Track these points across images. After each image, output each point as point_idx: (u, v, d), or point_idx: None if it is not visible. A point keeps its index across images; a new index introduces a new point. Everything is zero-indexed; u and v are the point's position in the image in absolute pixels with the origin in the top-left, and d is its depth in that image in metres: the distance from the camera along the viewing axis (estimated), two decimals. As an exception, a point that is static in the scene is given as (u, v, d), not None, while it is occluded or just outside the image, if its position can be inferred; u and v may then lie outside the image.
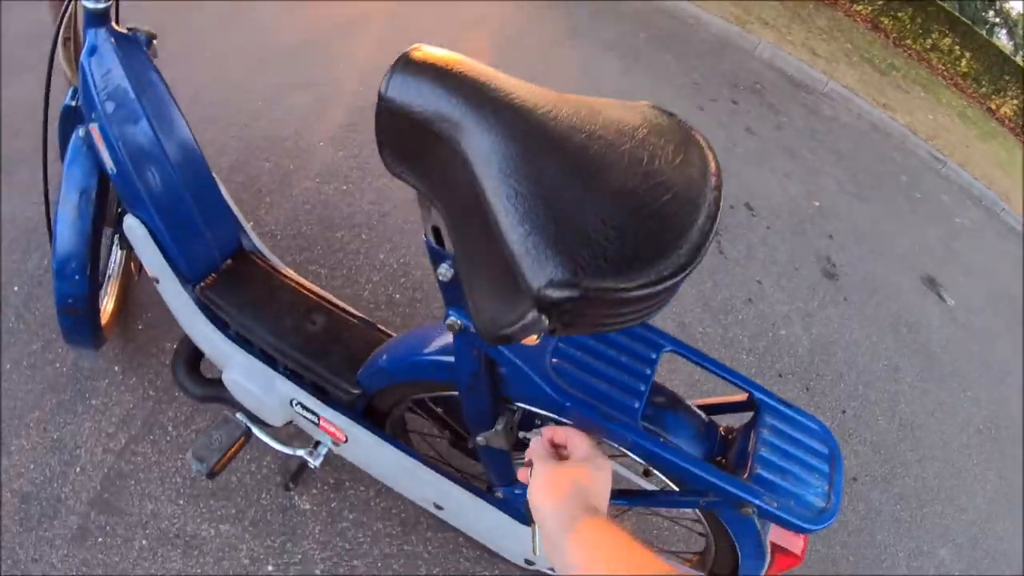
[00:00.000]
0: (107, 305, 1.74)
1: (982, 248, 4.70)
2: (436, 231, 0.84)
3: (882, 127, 5.64)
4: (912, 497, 2.48)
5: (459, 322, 0.91)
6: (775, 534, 1.15)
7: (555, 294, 0.58)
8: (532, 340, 0.95)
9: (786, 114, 4.79)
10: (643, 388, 0.95)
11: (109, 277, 1.81)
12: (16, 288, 1.82)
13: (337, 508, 1.69)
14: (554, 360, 0.94)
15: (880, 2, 9.73)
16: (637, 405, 0.93)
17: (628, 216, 0.62)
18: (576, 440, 0.90)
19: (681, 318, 2.69)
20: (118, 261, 1.84)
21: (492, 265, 0.66)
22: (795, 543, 1.18)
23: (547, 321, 0.61)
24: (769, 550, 1.12)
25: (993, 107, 9.73)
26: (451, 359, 1.02)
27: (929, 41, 9.93)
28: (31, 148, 2.09)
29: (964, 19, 10.40)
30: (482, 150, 0.64)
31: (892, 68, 7.68)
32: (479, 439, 1.07)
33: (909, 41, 9.66)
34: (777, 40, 5.76)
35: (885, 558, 2.22)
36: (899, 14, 9.87)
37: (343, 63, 3.22)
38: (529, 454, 0.92)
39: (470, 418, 1.07)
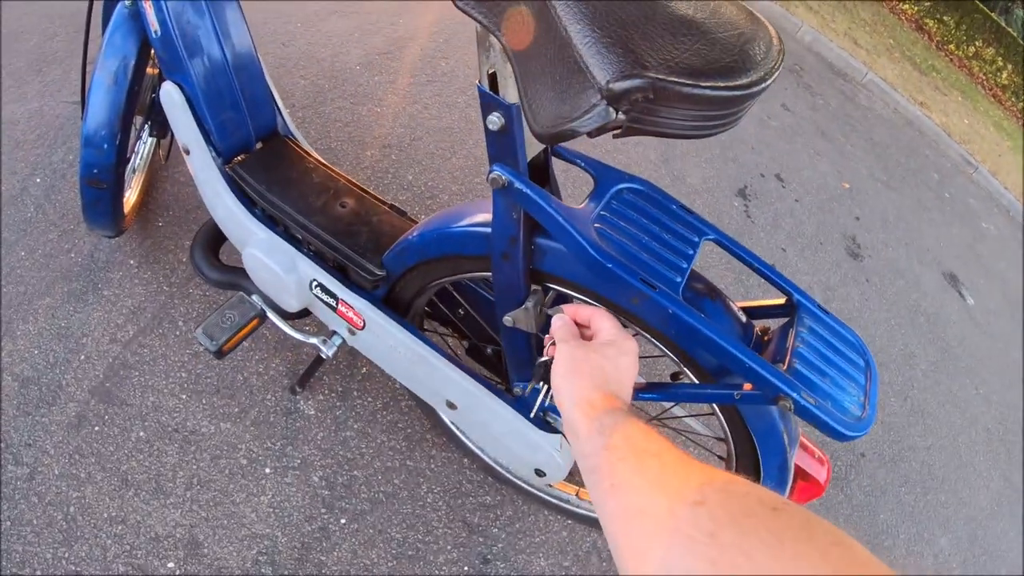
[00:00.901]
0: (130, 197, 1.74)
1: (1005, 255, 4.63)
2: (492, 77, 0.81)
3: (917, 124, 5.55)
4: (917, 482, 2.45)
5: (503, 176, 0.87)
6: (800, 458, 1.12)
7: (625, 83, 0.56)
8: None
9: (823, 97, 4.71)
10: (685, 266, 0.91)
11: (135, 169, 1.81)
12: (39, 180, 1.82)
13: (342, 416, 1.67)
14: (596, 225, 0.89)
15: (927, 3, 9.59)
16: (679, 280, 0.88)
17: (698, 37, 0.61)
18: (600, 320, 0.86)
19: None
20: (146, 154, 1.85)
21: (557, 71, 0.63)
22: (819, 471, 1.14)
23: (614, 113, 0.57)
24: (792, 475, 1.08)
25: (1031, 122, 9.58)
26: (486, 230, 0.99)
27: (972, 48, 9.77)
28: (65, 51, 2.13)
29: (1010, 31, 10.24)
30: None
31: (932, 69, 7.56)
32: (506, 319, 1.04)
33: (952, 46, 9.50)
34: (820, 26, 5.66)
35: (886, 538, 2.20)
36: (944, 18, 9.71)
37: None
38: (552, 332, 0.89)
39: (500, 295, 1.03)
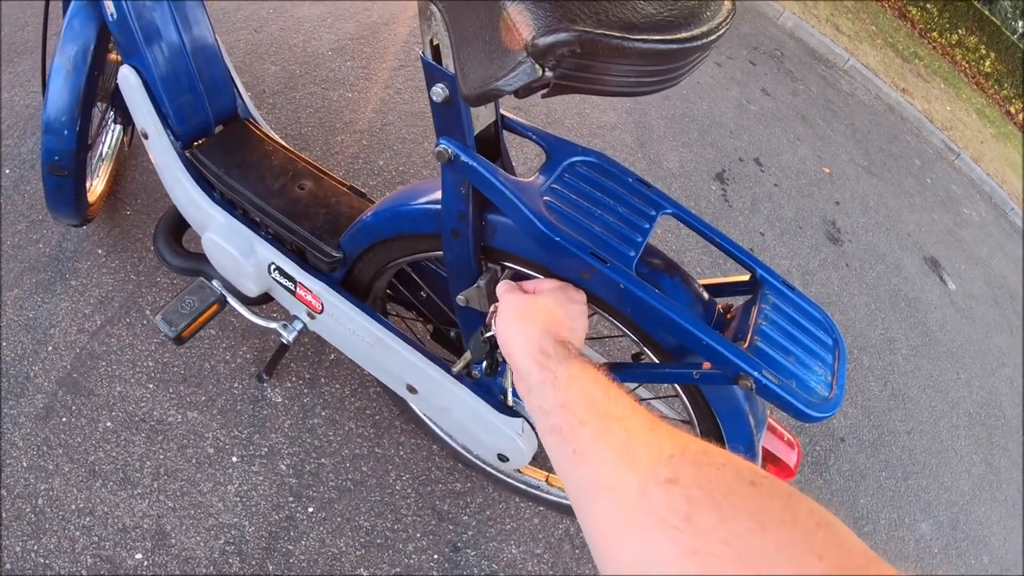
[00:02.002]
0: (97, 186, 1.72)
1: (987, 242, 4.64)
2: (435, 49, 0.79)
3: (899, 110, 5.55)
4: (898, 467, 2.45)
5: (449, 150, 0.85)
6: (768, 440, 1.10)
7: (549, 38, 0.53)
8: (534, 179, 0.89)
9: (803, 82, 4.70)
10: (640, 240, 0.88)
11: (102, 158, 1.79)
12: (8, 171, 1.80)
13: (310, 404, 1.65)
14: (546, 198, 0.87)
15: (910, -10, 9.61)
16: (632, 254, 0.86)
17: None
18: (544, 282, 0.85)
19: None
20: (112, 143, 1.82)
21: (487, 32, 0.61)
22: (788, 454, 1.12)
23: (541, 70, 0.55)
24: (760, 458, 1.06)
25: (1012, 111, 9.60)
26: (438, 207, 0.97)
27: (955, 36, 9.79)
28: (35, 41, 2.11)
29: (994, 19, 10.26)
30: None
31: (915, 56, 7.57)
32: (459, 298, 1.02)
33: (935, 34, 9.52)
34: (802, 12, 5.65)
35: (866, 524, 2.20)
36: (927, 5, 9.73)
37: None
38: (497, 292, 0.86)
39: (452, 273, 1.01)
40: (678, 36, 0.58)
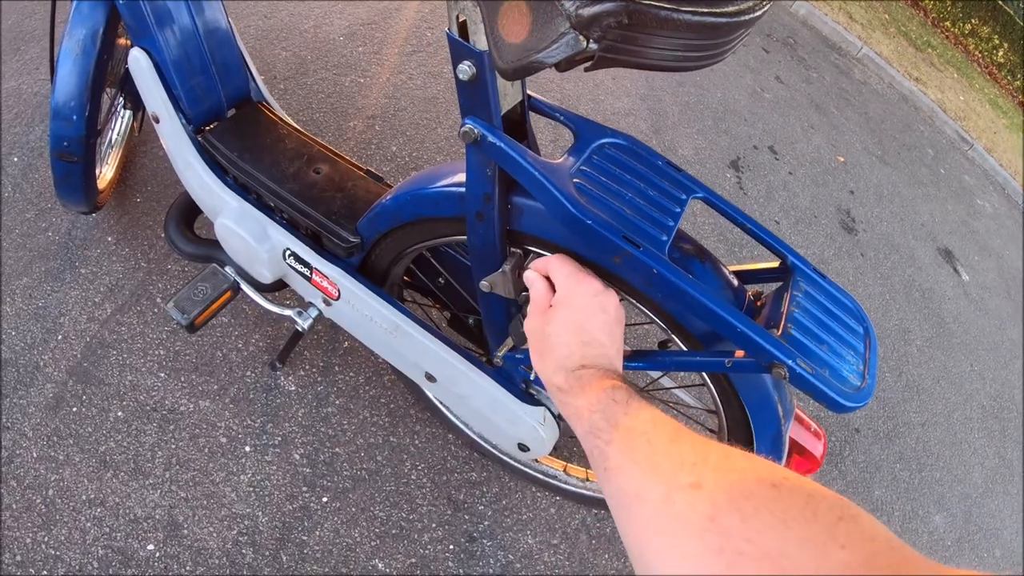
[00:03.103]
0: (107, 172, 1.71)
1: (1000, 233, 4.59)
2: (462, 25, 0.77)
3: (912, 100, 5.49)
4: (912, 458, 2.43)
5: (476, 130, 0.82)
6: (795, 431, 1.08)
7: (595, 8, 0.51)
8: (560, 161, 0.87)
9: (817, 70, 4.65)
10: (672, 224, 0.86)
11: (111, 144, 1.77)
12: (16, 159, 1.78)
13: (324, 392, 1.63)
14: (576, 181, 0.84)
15: (923, -21, 9.51)
16: (665, 238, 0.83)
17: None
18: (554, 273, 0.83)
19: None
20: (122, 130, 1.81)
21: (523, 6, 0.58)
22: (815, 445, 1.10)
23: (585, 41, 0.52)
24: (787, 449, 1.04)
25: (1025, 102, 9.52)
26: (461, 190, 0.94)
27: (968, 26, 9.69)
28: (43, 29, 2.09)
29: (1007, 9, 10.15)
30: None
31: (928, 46, 7.49)
32: (483, 284, 0.99)
33: (948, 23, 9.41)
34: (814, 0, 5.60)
35: (881, 515, 2.18)
36: (940, -7, 9.65)
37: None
38: (524, 321, 0.85)
39: (475, 258, 0.99)
40: (726, 9, 0.56)
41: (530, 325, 0.81)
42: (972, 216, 4.45)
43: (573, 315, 0.77)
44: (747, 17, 0.57)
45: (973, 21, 9.82)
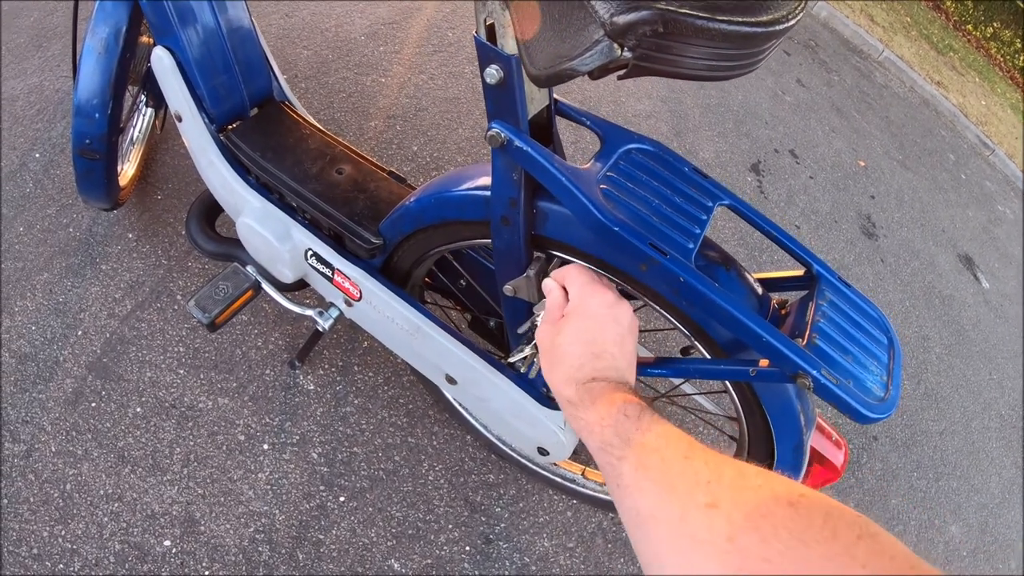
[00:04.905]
0: (128, 170, 1.71)
1: (1021, 240, 4.54)
2: (490, 29, 0.76)
3: (933, 104, 5.44)
4: (929, 467, 2.40)
5: (502, 134, 0.81)
6: (816, 440, 1.07)
7: (631, 16, 0.51)
8: (586, 166, 0.86)
9: (838, 73, 4.61)
10: (698, 231, 0.85)
11: (132, 142, 1.78)
12: (38, 155, 1.80)
13: (342, 392, 1.64)
14: (603, 187, 0.84)
15: (944, -18, 9.44)
16: (691, 246, 0.83)
17: None
18: (569, 284, 0.82)
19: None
20: (143, 127, 1.82)
21: (556, 8, 0.58)
22: (836, 454, 1.09)
23: (619, 50, 0.52)
24: (807, 458, 1.03)
25: (1048, 107, 9.42)
26: (485, 194, 0.94)
27: (990, 29, 9.58)
28: (65, 26, 2.11)
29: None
30: None
31: (950, 49, 7.42)
32: (506, 288, 0.99)
33: (969, 26, 9.31)
34: (836, 2, 5.55)
35: (897, 524, 2.16)
36: (963, -4, 9.56)
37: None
38: (537, 328, 0.84)
39: (499, 262, 0.98)
40: (760, 19, 0.55)
41: (541, 335, 0.80)
42: (993, 222, 4.40)
43: (585, 326, 0.76)
44: (780, 27, 0.57)
45: (995, 24, 9.72)
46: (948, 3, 9.35)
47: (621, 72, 0.57)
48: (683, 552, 0.46)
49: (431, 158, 2.26)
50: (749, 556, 0.41)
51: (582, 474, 1.52)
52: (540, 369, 1.06)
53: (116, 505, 1.36)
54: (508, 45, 0.76)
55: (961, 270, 3.60)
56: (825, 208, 3.25)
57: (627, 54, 0.54)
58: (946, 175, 4.46)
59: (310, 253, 1.28)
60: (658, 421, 0.60)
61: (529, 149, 0.82)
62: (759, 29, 0.55)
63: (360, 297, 1.25)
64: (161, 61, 1.26)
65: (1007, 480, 2.63)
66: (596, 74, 0.57)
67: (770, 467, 1.04)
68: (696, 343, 0.98)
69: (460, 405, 1.55)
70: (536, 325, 0.95)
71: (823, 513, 0.42)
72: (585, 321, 0.77)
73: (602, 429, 0.62)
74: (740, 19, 0.54)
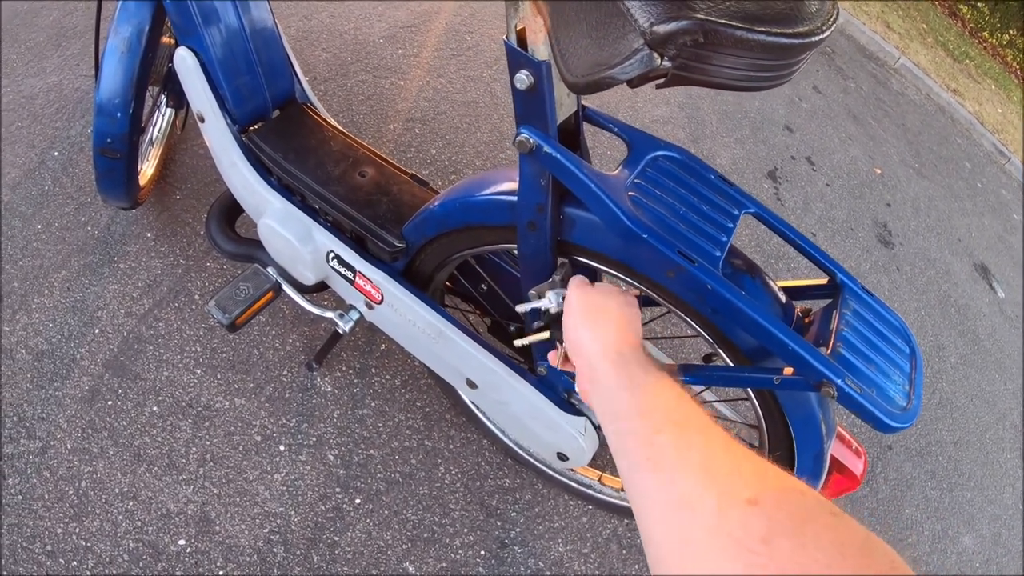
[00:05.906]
0: (147, 169, 1.72)
1: (1037, 250, 4.52)
2: (520, 33, 0.76)
3: (949, 111, 5.41)
4: (944, 477, 2.39)
5: (531, 139, 0.81)
6: (836, 449, 1.07)
7: (671, 25, 0.51)
8: (616, 172, 0.86)
9: (854, 80, 4.60)
10: (725, 239, 0.85)
11: (152, 141, 1.79)
12: (56, 153, 1.81)
13: (360, 394, 1.64)
14: (631, 194, 0.84)
15: (961, -11, 9.40)
16: (718, 254, 0.83)
17: None
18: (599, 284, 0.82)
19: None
20: (163, 126, 1.83)
21: (593, 16, 0.58)
22: (856, 463, 1.09)
23: (659, 59, 0.52)
24: (827, 467, 1.03)
25: (1064, 116, 9.36)
26: (511, 199, 0.94)
27: (1006, 37, 9.52)
28: (84, 25, 2.13)
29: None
30: None
31: (966, 56, 7.38)
32: (531, 293, 0.99)
33: (985, 33, 9.26)
34: (852, 8, 5.52)
35: (910, 534, 2.14)
36: (978, 4, 9.49)
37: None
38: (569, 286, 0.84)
39: (525, 267, 0.98)
40: (797, 30, 0.56)
41: (576, 294, 0.79)
42: (1009, 231, 4.37)
43: (615, 297, 0.77)
44: (816, 38, 0.57)
45: (1011, 32, 9.66)
46: (964, 10, 9.30)
47: (660, 81, 0.57)
48: (711, 550, 0.42)
49: (449, 161, 2.27)
50: (783, 563, 0.38)
51: (599, 480, 1.51)
52: (557, 363, 1.05)
53: (131, 503, 1.36)
54: (539, 51, 0.76)
55: (977, 279, 3.57)
56: (841, 216, 3.24)
57: (666, 63, 0.54)
58: (962, 183, 4.44)
59: (331, 255, 1.28)
60: (703, 411, 0.57)
61: (559, 155, 0.82)
62: (797, 40, 0.55)
63: (382, 300, 1.25)
64: (184, 61, 1.27)
65: (1020, 492, 2.60)
66: (635, 83, 0.57)
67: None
68: (719, 350, 0.97)
69: (478, 409, 1.55)
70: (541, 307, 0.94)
71: (864, 533, 0.40)
72: (615, 294, 0.78)
73: (645, 395, 0.59)
74: (778, 30, 0.54)
